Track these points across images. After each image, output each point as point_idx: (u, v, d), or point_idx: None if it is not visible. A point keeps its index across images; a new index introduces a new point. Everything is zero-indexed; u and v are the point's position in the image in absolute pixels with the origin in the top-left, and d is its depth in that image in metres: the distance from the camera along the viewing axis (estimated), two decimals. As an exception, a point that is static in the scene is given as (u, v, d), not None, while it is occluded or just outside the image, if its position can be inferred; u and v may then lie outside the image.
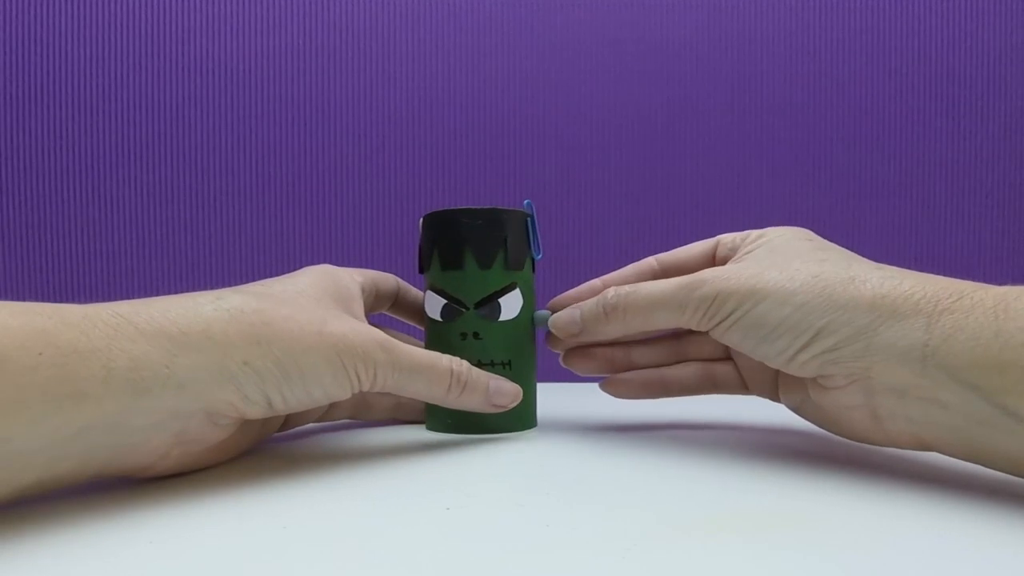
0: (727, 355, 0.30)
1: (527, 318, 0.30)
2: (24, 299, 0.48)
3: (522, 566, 0.14)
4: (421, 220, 0.30)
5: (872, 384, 0.21)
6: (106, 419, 0.17)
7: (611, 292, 0.26)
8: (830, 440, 0.28)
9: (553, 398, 0.40)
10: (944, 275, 0.22)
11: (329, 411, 0.30)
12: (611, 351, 0.30)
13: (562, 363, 0.31)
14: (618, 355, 0.30)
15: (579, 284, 0.31)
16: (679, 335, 0.31)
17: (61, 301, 0.51)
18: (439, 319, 0.29)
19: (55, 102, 0.52)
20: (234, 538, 0.16)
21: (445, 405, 0.26)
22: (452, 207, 0.29)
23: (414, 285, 0.33)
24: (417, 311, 0.32)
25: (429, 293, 0.29)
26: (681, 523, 0.17)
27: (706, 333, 0.25)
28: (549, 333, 0.29)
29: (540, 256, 0.31)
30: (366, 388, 0.23)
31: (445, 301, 0.29)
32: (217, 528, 0.17)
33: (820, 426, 0.24)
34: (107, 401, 0.17)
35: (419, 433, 0.29)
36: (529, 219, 0.30)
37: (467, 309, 0.28)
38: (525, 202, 0.30)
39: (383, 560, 0.14)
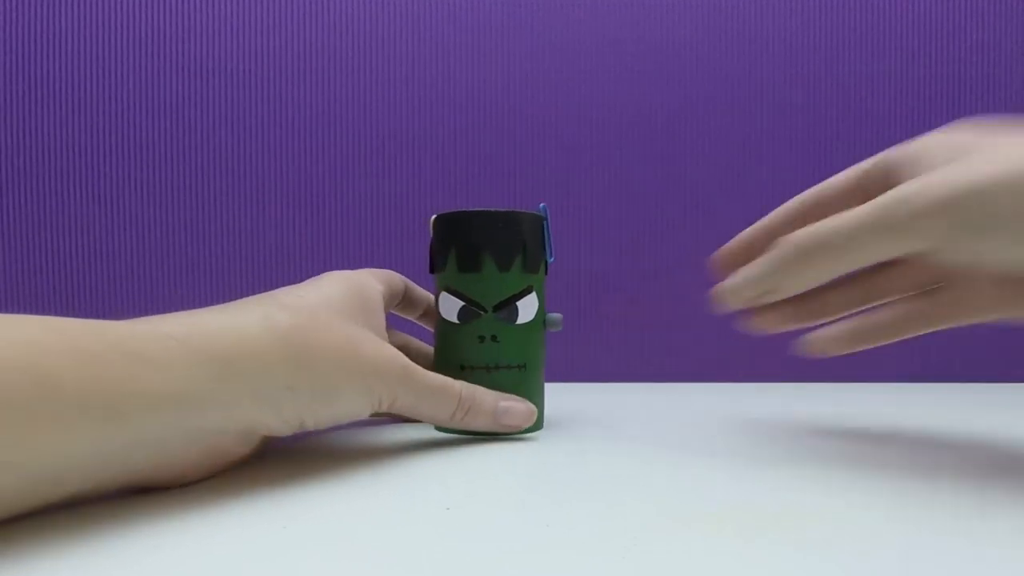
0: (930, 284, 0.26)
1: (541, 321, 0.30)
2: (23, 299, 0.47)
3: (522, 566, 0.14)
4: (432, 220, 0.30)
5: None
6: (148, 438, 0.18)
7: (800, 235, 0.22)
8: (831, 437, 0.28)
9: (555, 398, 0.40)
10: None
11: None
12: (801, 299, 0.27)
13: (745, 326, 0.28)
14: (809, 304, 0.27)
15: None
16: (869, 273, 0.27)
17: (60, 301, 0.50)
18: (455, 321, 0.29)
19: (55, 102, 0.51)
20: (234, 539, 0.16)
21: (451, 427, 0.27)
22: (461, 208, 0.29)
23: (423, 287, 0.33)
24: (421, 309, 0.33)
25: (444, 295, 0.29)
26: (682, 523, 0.17)
27: (905, 264, 0.22)
28: (726, 294, 0.25)
29: (553, 259, 0.31)
30: (383, 409, 0.24)
31: (462, 303, 0.29)
32: (217, 529, 0.17)
33: None
34: (151, 422, 0.17)
35: (420, 433, 0.30)
36: (544, 222, 0.30)
37: (485, 312, 0.29)
38: (540, 205, 0.30)
39: (383, 560, 0.14)
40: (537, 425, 0.30)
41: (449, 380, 0.26)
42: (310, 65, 0.54)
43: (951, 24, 0.55)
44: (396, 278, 0.31)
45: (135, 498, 0.19)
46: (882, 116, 0.56)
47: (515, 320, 0.29)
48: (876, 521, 0.17)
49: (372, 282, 0.28)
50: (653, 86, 0.55)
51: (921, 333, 0.26)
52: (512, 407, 0.28)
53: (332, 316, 0.24)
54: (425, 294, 0.33)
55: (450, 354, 0.29)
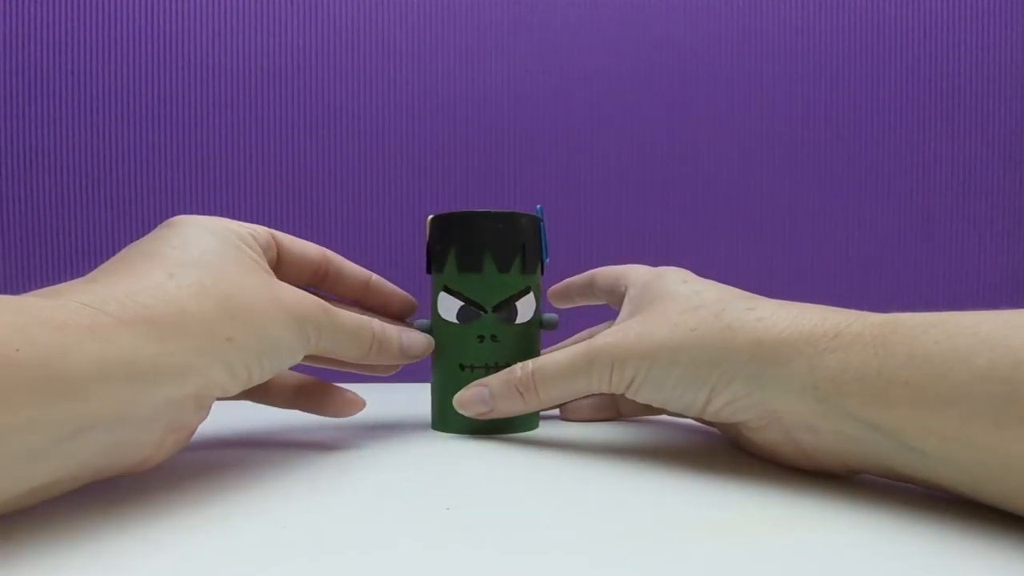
0: None
1: (538, 321, 0.31)
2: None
3: (522, 566, 0.14)
4: (429, 220, 0.30)
5: (784, 423, 0.21)
6: (105, 417, 0.17)
7: (518, 370, 0.27)
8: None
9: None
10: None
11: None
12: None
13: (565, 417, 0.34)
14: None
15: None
16: None
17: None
18: (455, 321, 0.29)
19: (55, 102, 0.51)
20: (235, 538, 0.16)
21: (364, 362, 0.27)
22: (454, 209, 0.29)
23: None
24: (356, 288, 0.30)
25: (443, 295, 0.30)
26: (681, 523, 0.17)
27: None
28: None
29: (548, 260, 0.31)
30: (310, 350, 0.24)
31: (462, 303, 0.29)
32: (218, 528, 0.17)
33: (760, 457, 0.25)
34: (104, 398, 0.16)
35: (421, 433, 0.30)
36: (541, 223, 0.30)
37: (485, 312, 0.29)
38: (537, 207, 0.31)
39: (383, 560, 0.14)
40: (533, 424, 0.31)
41: (365, 318, 0.26)
42: (308, 65, 0.54)
43: (952, 25, 0.56)
44: (298, 243, 0.28)
45: (135, 496, 0.19)
46: (884, 117, 0.56)
47: (514, 320, 0.29)
48: (875, 526, 0.17)
49: (235, 228, 0.25)
50: (653, 86, 0.55)
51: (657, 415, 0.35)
52: (413, 340, 0.29)
53: (230, 266, 0.22)
54: (362, 273, 0.30)
55: (449, 353, 0.30)
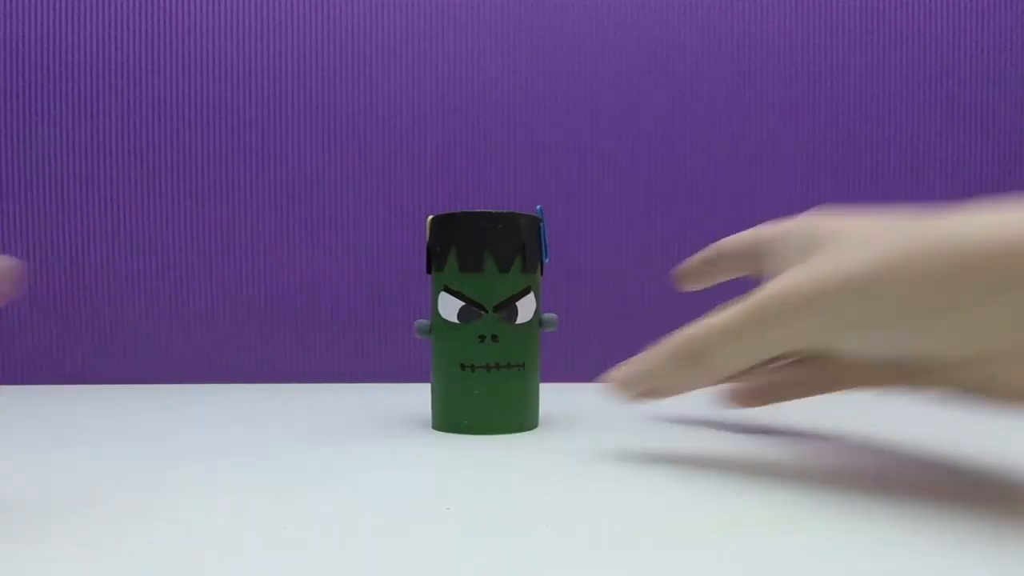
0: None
1: (537, 321, 0.31)
2: (21, 301, 0.47)
3: (522, 566, 0.14)
4: (429, 220, 0.31)
5: None
6: None
7: (679, 335, 0.22)
8: (830, 445, 0.28)
9: (552, 398, 0.40)
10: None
11: None
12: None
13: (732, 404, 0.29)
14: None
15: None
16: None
17: (60, 303, 0.50)
18: (456, 321, 0.29)
19: (55, 101, 0.51)
20: (235, 538, 0.16)
21: None
22: (454, 210, 0.29)
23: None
24: None
25: (443, 295, 0.30)
26: (682, 524, 0.17)
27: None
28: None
29: (548, 260, 0.31)
30: None
31: (463, 303, 0.29)
32: (217, 528, 0.17)
33: (985, 401, 0.20)
34: None
35: (420, 434, 0.30)
36: (540, 223, 0.31)
37: (486, 312, 0.29)
38: (537, 208, 0.31)
39: (383, 560, 0.14)
40: (532, 424, 0.31)
41: None
42: (308, 65, 0.54)
43: (952, 23, 0.56)
44: None
45: (135, 496, 0.19)
46: (883, 116, 0.56)
47: (515, 320, 0.29)
48: (875, 527, 0.17)
49: None
50: (653, 86, 0.55)
51: (828, 393, 0.27)
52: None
53: None
54: None
55: (450, 353, 0.30)
